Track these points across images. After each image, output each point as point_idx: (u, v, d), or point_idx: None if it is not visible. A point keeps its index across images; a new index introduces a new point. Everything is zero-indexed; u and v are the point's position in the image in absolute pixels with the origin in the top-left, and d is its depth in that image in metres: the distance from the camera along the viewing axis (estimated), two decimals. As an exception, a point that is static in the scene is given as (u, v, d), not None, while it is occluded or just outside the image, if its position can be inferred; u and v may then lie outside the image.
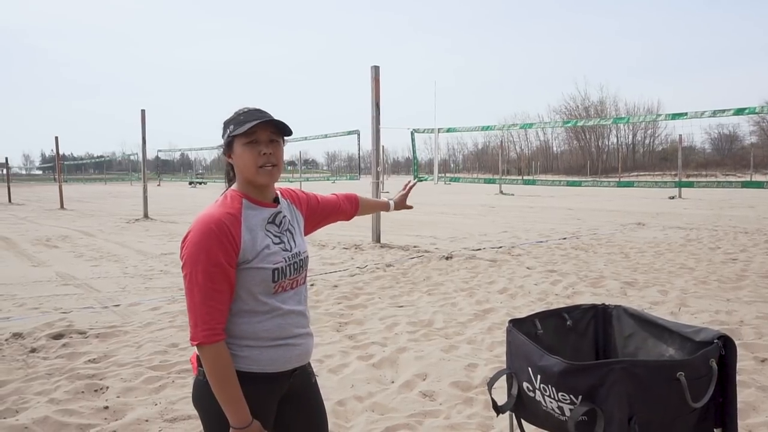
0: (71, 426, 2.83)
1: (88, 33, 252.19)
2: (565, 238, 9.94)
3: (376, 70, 9.08)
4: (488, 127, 9.99)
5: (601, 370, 1.40)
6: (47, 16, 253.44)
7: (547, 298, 5.56)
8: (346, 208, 1.95)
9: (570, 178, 35.53)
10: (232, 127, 1.48)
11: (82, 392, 3.24)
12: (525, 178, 38.69)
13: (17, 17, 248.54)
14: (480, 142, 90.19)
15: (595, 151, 69.39)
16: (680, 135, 23.48)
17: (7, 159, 29.44)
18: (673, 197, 20.96)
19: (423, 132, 10.06)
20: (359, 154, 10.80)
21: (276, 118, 1.50)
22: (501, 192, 27.57)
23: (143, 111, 14.52)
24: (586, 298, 5.48)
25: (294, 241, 1.57)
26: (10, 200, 25.28)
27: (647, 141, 69.54)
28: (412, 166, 11.44)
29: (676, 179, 22.48)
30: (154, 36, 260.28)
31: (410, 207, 2.22)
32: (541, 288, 5.94)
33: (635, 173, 52.96)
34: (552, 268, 7.00)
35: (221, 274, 1.39)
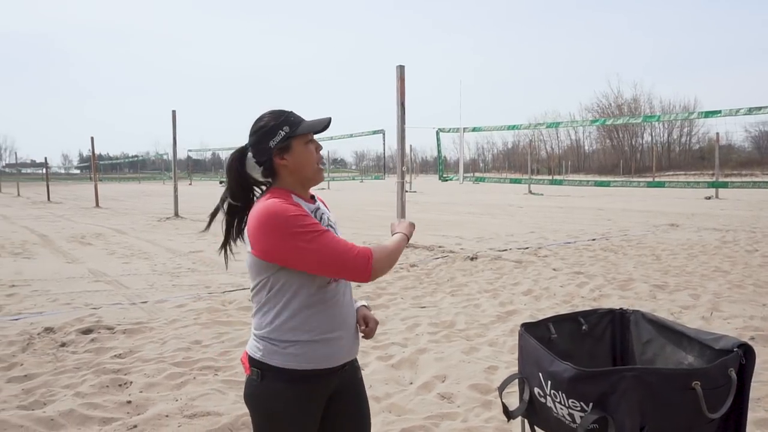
0: (95, 419, 2.91)
1: (124, 36, 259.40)
2: (594, 239, 9.74)
3: (401, 69, 9.04)
4: (514, 126, 9.86)
5: (612, 378, 1.36)
6: (82, 20, 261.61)
7: (573, 300, 5.45)
8: None
9: (599, 178, 34.76)
10: (287, 128, 1.51)
11: (107, 386, 3.33)
12: (552, 178, 38.07)
13: (55, 22, 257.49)
14: (509, 142, 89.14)
15: (629, 150, 67.72)
16: (717, 133, 22.72)
17: (46, 159, 30.54)
18: (709, 197, 20.31)
19: (448, 131, 10.00)
20: (384, 153, 10.80)
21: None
22: (530, 192, 27.19)
23: (174, 112, 14.85)
24: (614, 301, 5.35)
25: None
26: (49, 198, 26.21)
27: (683, 139, 67.55)
28: (438, 166, 11.38)
29: (714, 179, 21.77)
30: (185, 38, 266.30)
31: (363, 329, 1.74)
32: (567, 290, 5.83)
33: (671, 172, 51.45)
34: (579, 270, 6.86)
35: (316, 222, 1.44)
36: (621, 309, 1.92)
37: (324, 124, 1.55)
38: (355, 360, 1.68)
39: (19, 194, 32.89)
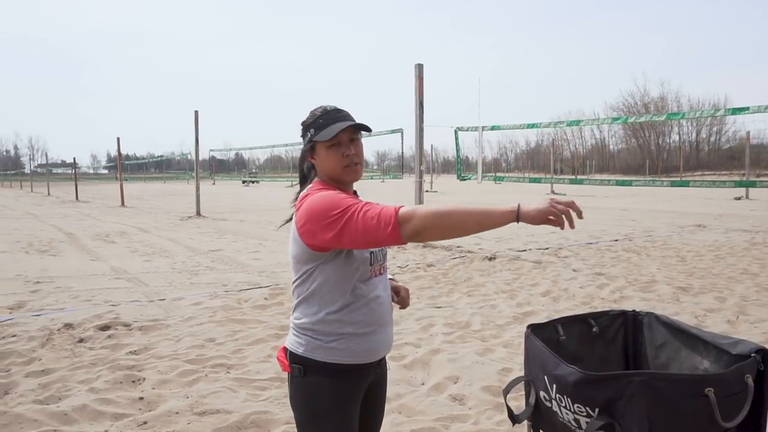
0: (107, 415, 2.93)
1: (151, 38, 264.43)
2: (616, 240, 9.53)
3: (419, 68, 8.99)
4: (534, 124, 9.70)
5: (619, 382, 1.30)
6: (111, 26, 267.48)
7: (593, 302, 5.33)
8: None
9: (621, 178, 34.07)
10: (312, 131, 1.53)
11: (121, 383, 3.36)
12: (572, 177, 37.49)
13: (86, 23, 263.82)
14: (533, 141, 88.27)
15: (655, 150, 66.33)
16: (748, 132, 22.04)
17: (74, 159, 31.28)
18: (739, 198, 19.73)
19: (467, 130, 9.91)
20: (402, 152, 10.75)
21: (356, 120, 1.54)
22: (552, 192, 26.83)
23: (196, 112, 15.03)
24: (635, 303, 5.22)
25: None
26: (77, 198, 26.82)
27: (712, 138, 65.89)
28: (456, 165, 11.28)
29: (744, 179, 21.13)
30: (213, 39, 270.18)
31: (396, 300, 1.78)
32: (587, 291, 5.70)
33: (699, 172, 50.23)
34: (600, 271, 6.71)
35: (345, 204, 1.40)
36: (633, 311, 1.85)
37: (334, 133, 1.49)
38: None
39: (49, 193, 33.76)
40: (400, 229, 1.30)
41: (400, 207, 1.34)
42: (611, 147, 77.66)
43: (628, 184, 10.73)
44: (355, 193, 1.64)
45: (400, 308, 1.72)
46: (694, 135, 66.28)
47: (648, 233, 10.48)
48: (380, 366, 1.65)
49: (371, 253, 1.54)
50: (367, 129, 1.57)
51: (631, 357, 1.83)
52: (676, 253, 8.03)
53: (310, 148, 1.56)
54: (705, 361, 1.58)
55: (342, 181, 1.57)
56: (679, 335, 1.67)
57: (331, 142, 1.51)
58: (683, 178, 33.01)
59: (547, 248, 8.64)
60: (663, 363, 1.72)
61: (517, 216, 1.28)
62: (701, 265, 7.07)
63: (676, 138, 66.84)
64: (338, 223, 1.36)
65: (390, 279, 1.78)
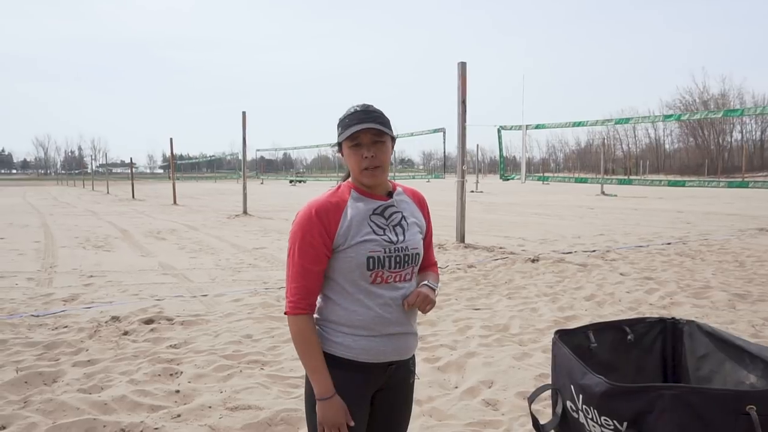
0: (144, 406, 3.01)
1: (204, 43, 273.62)
2: (669, 243, 9.10)
3: (462, 66, 8.87)
4: (581, 122, 9.37)
5: (648, 395, 1.20)
6: (167, 29, 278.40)
7: (640, 307, 5.09)
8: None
9: (673, 178, 32.50)
10: (339, 129, 1.54)
11: (159, 375, 3.45)
12: (621, 177, 36.08)
13: (145, 32, 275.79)
14: (583, 141, 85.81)
15: (715, 149, 63.07)
16: (819, 130, 20.59)
17: (131, 159, 32.69)
18: (807, 200, 18.48)
19: (510, 129, 9.69)
20: (444, 152, 10.63)
21: (375, 123, 1.49)
22: (602, 192, 25.93)
23: (244, 113, 15.40)
24: (686, 310, 4.95)
25: (403, 236, 1.56)
26: (133, 196, 28.02)
27: (779, 137, 62.04)
28: (499, 164, 11.07)
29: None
30: (263, 42, 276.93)
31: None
32: (634, 296, 5.45)
33: (763, 173, 47.42)
34: (649, 276, 6.41)
35: (314, 255, 1.48)
36: (673, 318, 1.73)
37: (350, 134, 1.47)
38: (411, 364, 1.65)
39: (108, 192, 35.43)
40: (288, 317, 1.53)
41: (300, 313, 1.50)
42: (667, 147, 74.48)
43: (681, 184, 10.23)
44: (389, 194, 1.58)
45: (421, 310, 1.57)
46: (758, 133, 62.69)
47: (704, 236, 9.96)
48: (393, 371, 1.57)
49: (368, 258, 1.48)
50: (385, 131, 1.48)
51: (669, 368, 1.71)
52: (734, 258, 7.58)
53: (339, 145, 1.57)
54: (751, 376, 1.45)
55: (361, 183, 1.55)
56: (722, 346, 1.55)
57: (353, 142, 1.50)
58: (744, 179, 31.20)
59: (594, 251, 8.34)
60: (705, 376, 1.60)
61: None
62: (762, 271, 6.64)
63: (738, 137, 63.42)
64: (288, 254, 1.54)
65: (425, 284, 1.60)
